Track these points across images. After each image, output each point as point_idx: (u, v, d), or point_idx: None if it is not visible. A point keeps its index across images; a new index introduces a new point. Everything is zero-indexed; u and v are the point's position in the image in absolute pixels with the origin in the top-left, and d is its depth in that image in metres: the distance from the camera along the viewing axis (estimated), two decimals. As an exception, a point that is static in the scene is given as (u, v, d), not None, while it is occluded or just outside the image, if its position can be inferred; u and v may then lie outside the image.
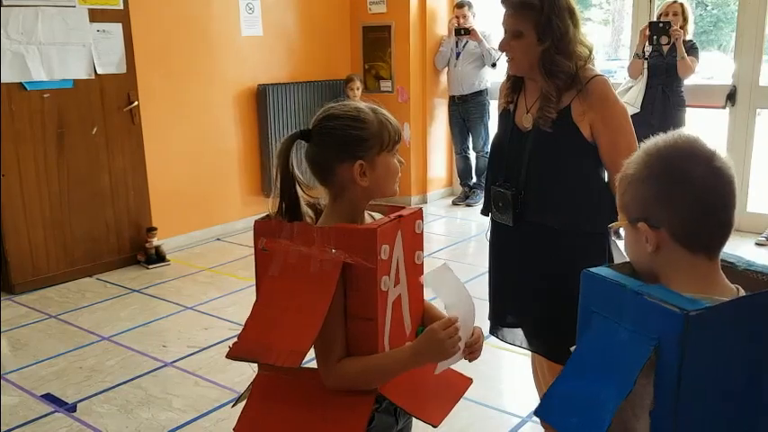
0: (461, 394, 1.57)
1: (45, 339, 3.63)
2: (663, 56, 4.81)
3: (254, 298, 1.41)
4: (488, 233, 2.32)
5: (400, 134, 1.45)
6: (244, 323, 1.37)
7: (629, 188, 1.10)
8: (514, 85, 2.20)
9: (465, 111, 6.10)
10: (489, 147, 3.78)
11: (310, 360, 1.37)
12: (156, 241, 4.83)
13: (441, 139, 6.58)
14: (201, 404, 2.94)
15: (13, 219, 4.22)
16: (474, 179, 6.35)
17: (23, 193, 4.25)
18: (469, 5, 5.99)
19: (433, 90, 6.39)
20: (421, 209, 1.55)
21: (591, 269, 1.10)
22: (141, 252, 4.80)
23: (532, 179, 2.10)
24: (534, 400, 2.40)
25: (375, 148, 1.40)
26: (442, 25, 6.30)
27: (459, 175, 6.45)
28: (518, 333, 2.31)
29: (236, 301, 4.08)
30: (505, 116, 2.21)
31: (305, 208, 1.47)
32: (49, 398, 3.01)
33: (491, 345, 2.31)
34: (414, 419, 1.52)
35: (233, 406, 1.63)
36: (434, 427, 1.48)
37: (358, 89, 5.94)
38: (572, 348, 1.11)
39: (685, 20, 4.84)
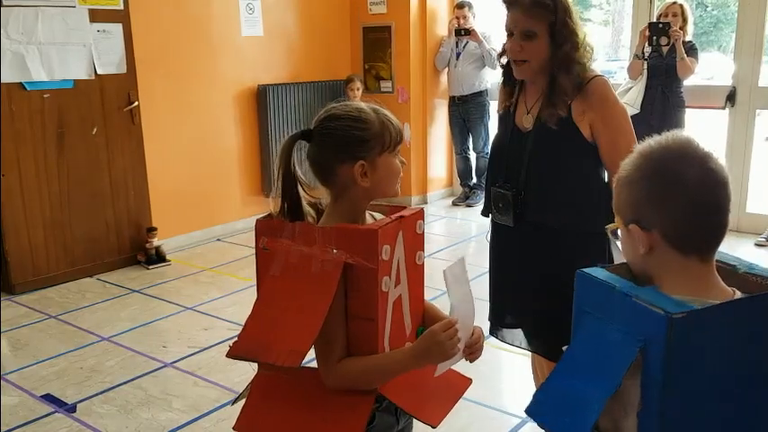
0: (461, 394, 1.57)
1: (45, 339, 3.63)
2: (662, 57, 4.81)
3: (254, 298, 1.41)
4: (488, 235, 2.32)
5: (402, 135, 1.44)
6: (244, 322, 1.37)
7: (623, 189, 1.10)
8: (513, 88, 2.20)
9: (465, 111, 6.10)
10: (489, 147, 3.79)
11: (310, 360, 1.37)
12: (156, 241, 4.83)
13: (441, 139, 6.58)
14: (201, 404, 2.94)
15: (13, 219, 4.22)
16: (474, 179, 6.35)
17: (23, 193, 4.25)
18: (470, 6, 5.99)
19: (433, 90, 6.39)
20: (422, 209, 1.54)
21: (585, 270, 1.10)
22: (141, 252, 4.80)
23: (532, 179, 2.10)
24: (534, 401, 2.40)
25: (376, 148, 1.40)
26: (442, 26, 6.30)
27: (460, 175, 6.45)
28: (518, 333, 2.32)
29: (237, 301, 4.08)
30: (505, 117, 2.22)
31: (307, 208, 1.46)
32: (49, 398, 3.01)
33: (491, 345, 2.31)
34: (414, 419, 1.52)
35: (232, 404, 1.63)
36: (433, 427, 1.48)
37: (358, 89, 5.93)
38: (564, 348, 1.11)
39: (685, 21, 4.85)
